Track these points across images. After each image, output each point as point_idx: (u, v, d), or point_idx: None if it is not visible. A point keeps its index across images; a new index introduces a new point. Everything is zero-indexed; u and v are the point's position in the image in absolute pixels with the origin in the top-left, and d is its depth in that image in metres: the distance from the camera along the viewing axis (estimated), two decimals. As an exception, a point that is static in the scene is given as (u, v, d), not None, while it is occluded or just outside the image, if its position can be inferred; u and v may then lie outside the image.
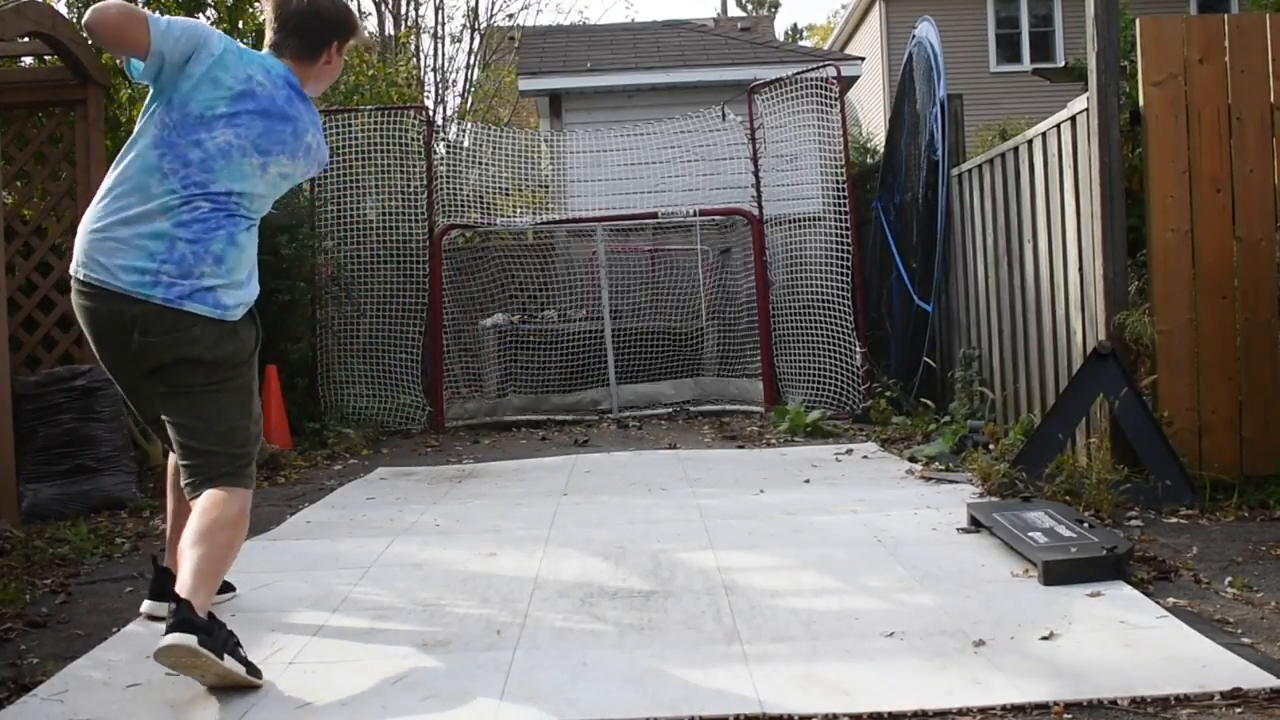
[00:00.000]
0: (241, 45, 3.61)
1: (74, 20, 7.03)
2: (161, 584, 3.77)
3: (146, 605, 3.83)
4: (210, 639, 3.03)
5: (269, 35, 3.67)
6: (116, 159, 3.50)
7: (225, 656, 3.06)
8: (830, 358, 8.82)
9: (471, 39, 23.15)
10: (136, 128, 3.49)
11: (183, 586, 3.14)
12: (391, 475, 6.99)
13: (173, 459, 3.77)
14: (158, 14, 3.46)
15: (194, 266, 3.39)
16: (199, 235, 3.41)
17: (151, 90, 3.48)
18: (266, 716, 2.94)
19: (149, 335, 3.38)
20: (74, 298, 3.46)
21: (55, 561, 4.76)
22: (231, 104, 3.46)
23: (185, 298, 3.37)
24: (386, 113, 9.85)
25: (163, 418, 3.53)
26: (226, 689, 3.11)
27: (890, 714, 2.81)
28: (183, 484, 3.52)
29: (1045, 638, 3.31)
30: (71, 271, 3.44)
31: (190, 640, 2.96)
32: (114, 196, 3.40)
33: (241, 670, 3.11)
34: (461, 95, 22.76)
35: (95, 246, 3.38)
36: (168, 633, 2.99)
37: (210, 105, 3.43)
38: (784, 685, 3.02)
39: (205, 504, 3.38)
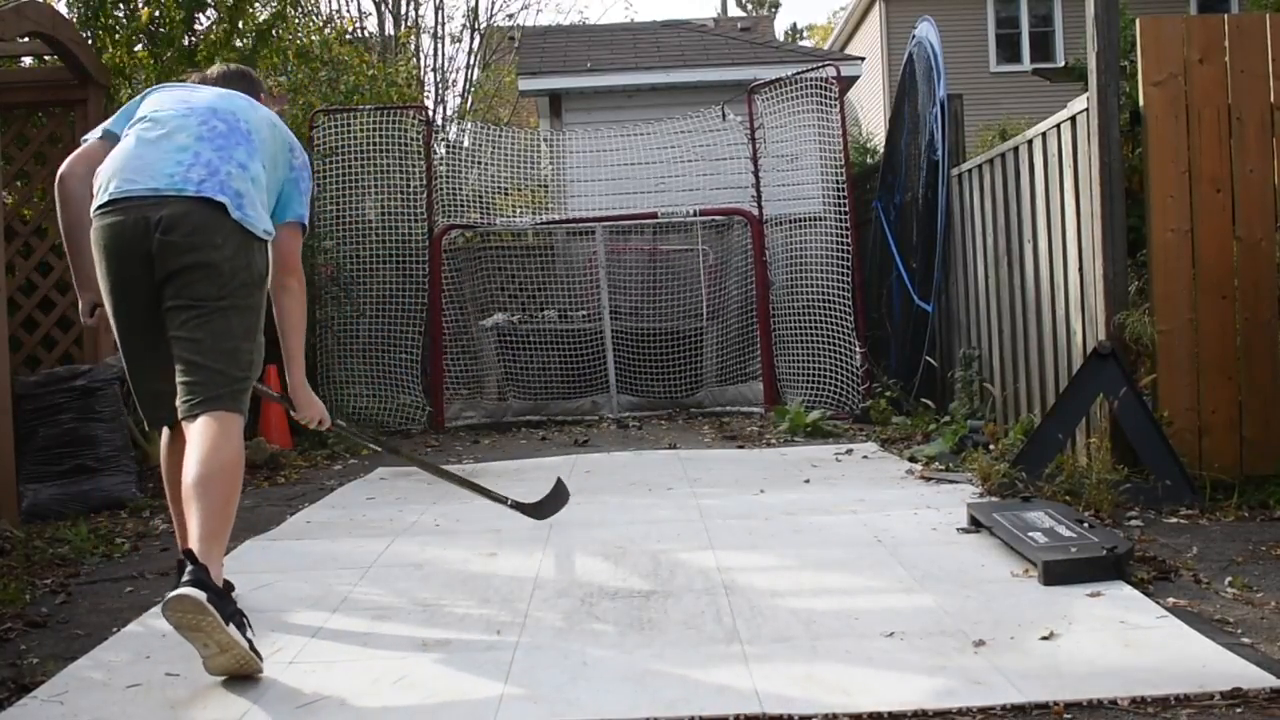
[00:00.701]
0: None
1: (73, 20, 7.04)
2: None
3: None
4: (219, 602, 3.06)
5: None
6: None
7: (230, 624, 3.07)
8: (830, 358, 8.81)
9: (471, 39, 23.16)
10: None
11: (196, 550, 3.16)
12: (391, 475, 6.98)
13: (165, 447, 3.80)
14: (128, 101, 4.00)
15: (220, 166, 3.58)
16: (221, 145, 3.64)
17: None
18: (266, 716, 2.94)
19: (171, 234, 3.46)
20: (94, 229, 3.57)
21: (55, 561, 4.76)
22: (173, 99, 3.85)
23: (215, 191, 3.52)
24: (386, 113, 9.84)
25: (170, 335, 3.53)
26: (231, 679, 3.14)
27: (890, 714, 2.81)
28: (179, 405, 3.49)
29: (1045, 638, 3.31)
30: (95, 204, 3.56)
31: (200, 595, 2.99)
32: (132, 135, 3.66)
33: (245, 644, 3.13)
34: (462, 95, 22.76)
35: (124, 169, 3.56)
36: (179, 586, 3.01)
37: (158, 105, 3.80)
38: (784, 685, 3.02)
39: (200, 440, 3.38)
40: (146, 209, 3.47)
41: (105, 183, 3.55)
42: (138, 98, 3.88)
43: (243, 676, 3.16)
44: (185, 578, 3.04)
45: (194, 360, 3.48)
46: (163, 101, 3.79)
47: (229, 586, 3.72)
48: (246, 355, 3.59)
